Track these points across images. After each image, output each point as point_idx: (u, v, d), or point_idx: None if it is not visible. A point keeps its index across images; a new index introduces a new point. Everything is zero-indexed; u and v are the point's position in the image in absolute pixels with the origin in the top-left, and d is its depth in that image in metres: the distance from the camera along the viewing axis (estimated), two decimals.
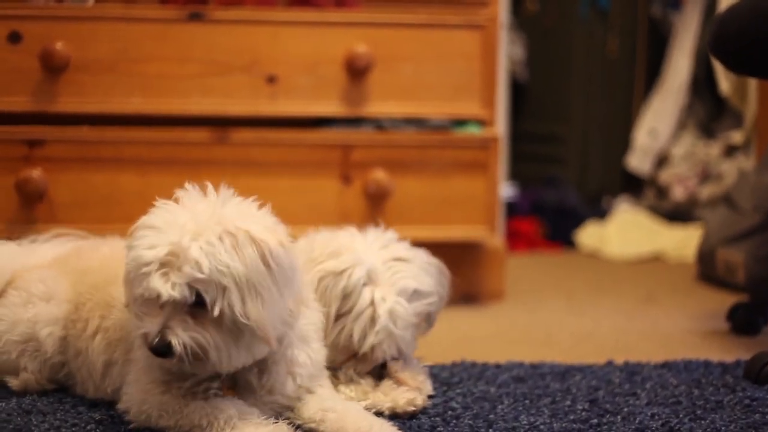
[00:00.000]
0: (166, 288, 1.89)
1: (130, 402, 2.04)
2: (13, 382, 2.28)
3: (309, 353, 2.10)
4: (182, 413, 1.96)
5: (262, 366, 2.03)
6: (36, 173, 3.18)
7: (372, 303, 2.24)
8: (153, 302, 1.93)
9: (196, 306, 1.91)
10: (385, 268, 2.28)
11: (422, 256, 2.37)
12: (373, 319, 2.23)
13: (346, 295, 2.24)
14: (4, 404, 2.18)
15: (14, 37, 3.20)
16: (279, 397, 2.05)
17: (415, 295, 2.29)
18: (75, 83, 3.24)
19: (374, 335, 2.23)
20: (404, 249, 2.35)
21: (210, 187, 2.01)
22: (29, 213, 3.19)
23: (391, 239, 2.37)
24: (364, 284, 2.25)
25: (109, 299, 2.18)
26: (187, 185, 2.01)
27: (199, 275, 1.89)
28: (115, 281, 2.16)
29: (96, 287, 2.22)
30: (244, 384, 2.03)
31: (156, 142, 3.27)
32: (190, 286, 1.89)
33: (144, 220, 1.98)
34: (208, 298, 1.90)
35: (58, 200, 3.22)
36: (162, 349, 1.91)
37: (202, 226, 1.92)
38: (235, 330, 1.93)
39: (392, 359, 2.28)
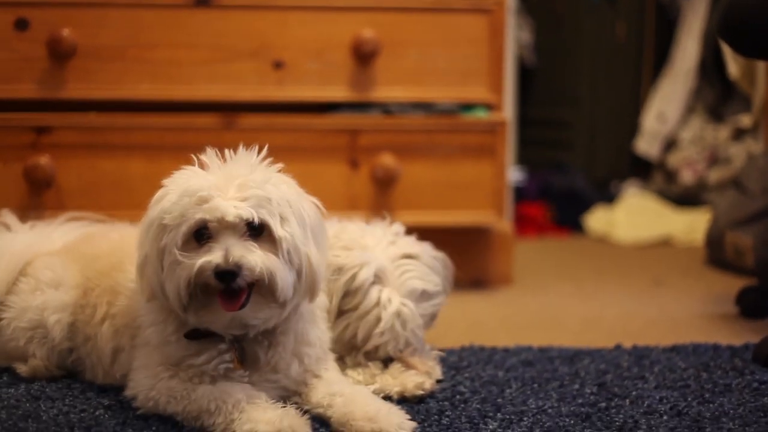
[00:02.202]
0: (235, 206, 1.89)
1: (138, 388, 2.04)
2: (22, 369, 2.28)
3: (317, 332, 2.11)
4: (190, 398, 1.96)
5: (271, 338, 2.03)
6: (44, 160, 3.18)
7: (378, 303, 2.23)
8: (194, 242, 1.92)
9: (253, 236, 1.91)
10: (394, 267, 2.28)
11: (428, 251, 2.36)
12: (378, 320, 2.23)
13: (349, 292, 2.24)
14: (13, 390, 2.19)
15: (21, 24, 3.20)
16: (282, 377, 2.05)
17: (422, 296, 2.29)
18: (82, 70, 3.24)
19: (379, 336, 2.23)
20: (412, 244, 2.34)
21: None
22: (37, 200, 3.20)
23: (399, 233, 2.36)
24: (372, 283, 2.25)
25: (116, 285, 2.18)
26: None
27: (265, 198, 1.91)
28: (122, 267, 2.17)
29: (104, 273, 2.22)
30: (252, 358, 2.02)
31: (164, 128, 3.27)
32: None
33: (175, 176, 1.99)
34: (272, 221, 1.91)
35: (67, 187, 3.22)
36: (233, 271, 1.87)
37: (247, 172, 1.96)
38: (290, 264, 1.93)
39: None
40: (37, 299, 2.27)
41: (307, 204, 2.01)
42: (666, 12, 5.51)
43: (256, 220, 1.91)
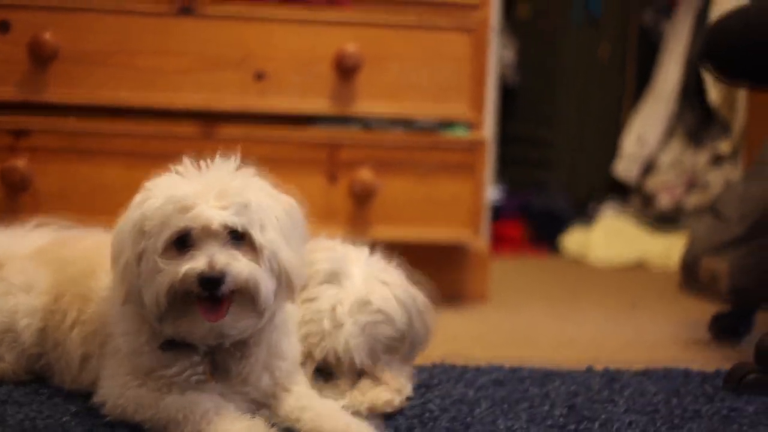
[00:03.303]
0: (219, 214, 1.89)
1: (106, 396, 2.03)
2: None
3: (289, 345, 2.10)
4: (158, 407, 1.95)
5: (243, 349, 2.02)
6: (21, 163, 3.17)
7: (332, 309, 2.21)
8: (174, 249, 1.91)
9: (234, 244, 1.91)
10: (363, 280, 2.26)
11: (405, 285, 2.32)
12: (321, 327, 2.20)
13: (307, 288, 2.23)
14: None
15: (2, 26, 3.19)
16: (252, 389, 2.03)
17: (375, 313, 2.24)
18: (63, 74, 3.23)
19: (327, 339, 2.20)
20: (390, 273, 2.32)
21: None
22: (13, 203, 3.18)
23: (389, 270, 2.34)
24: (327, 282, 2.24)
25: (88, 292, 2.17)
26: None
27: (245, 205, 1.91)
28: (94, 274, 2.16)
29: (75, 280, 2.21)
30: (223, 370, 2.01)
31: (143, 135, 3.26)
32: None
33: (156, 181, 1.98)
34: (252, 230, 1.91)
35: (44, 190, 3.21)
36: (218, 278, 1.86)
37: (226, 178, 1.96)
38: (270, 271, 1.93)
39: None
40: (8, 302, 2.25)
41: (282, 207, 2.01)
42: (649, 35, 5.54)
43: (240, 228, 1.91)
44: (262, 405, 2.06)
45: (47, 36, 3.18)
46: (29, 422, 2.01)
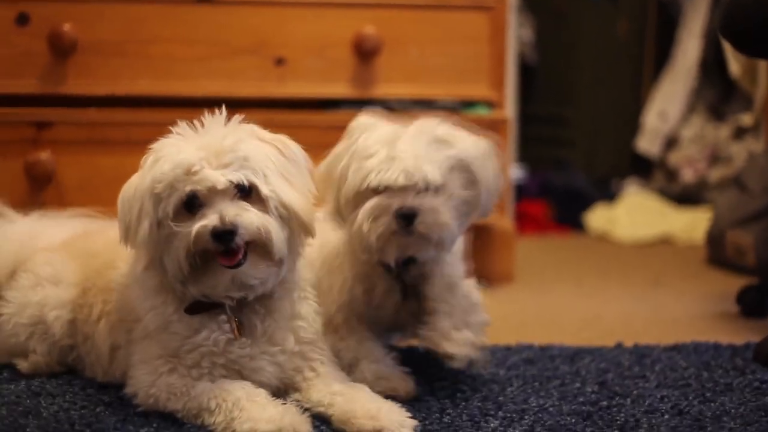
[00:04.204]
0: (223, 173, 1.93)
1: (138, 386, 2.04)
2: (23, 365, 2.28)
3: (308, 309, 2.12)
4: (190, 396, 1.96)
5: (267, 306, 2.04)
6: (44, 155, 3.17)
7: (375, 141, 2.13)
8: (185, 212, 1.94)
9: (242, 198, 1.95)
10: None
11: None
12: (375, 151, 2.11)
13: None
14: (13, 386, 2.19)
15: (22, 19, 3.19)
16: (278, 351, 2.05)
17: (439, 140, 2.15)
18: (83, 65, 3.23)
19: (377, 163, 2.09)
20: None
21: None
22: (38, 195, 3.19)
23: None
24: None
25: (110, 283, 2.18)
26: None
27: (245, 158, 1.94)
28: (115, 265, 2.17)
29: (99, 272, 2.22)
30: (249, 328, 2.03)
31: (164, 123, 3.23)
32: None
33: (157, 145, 2.03)
34: (257, 181, 1.94)
35: (66, 182, 3.22)
36: (231, 230, 1.90)
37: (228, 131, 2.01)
38: (280, 220, 1.96)
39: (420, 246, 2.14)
40: (37, 295, 2.27)
41: (276, 148, 2.04)
42: (667, 10, 5.51)
43: (245, 182, 1.94)
44: (290, 384, 2.06)
45: (66, 28, 3.18)
46: (63, 413, 2.02)
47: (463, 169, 2.16)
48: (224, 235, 1.90)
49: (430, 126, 2.17)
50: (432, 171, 2.08)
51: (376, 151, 2.11)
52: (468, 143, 2.19)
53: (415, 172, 2.07)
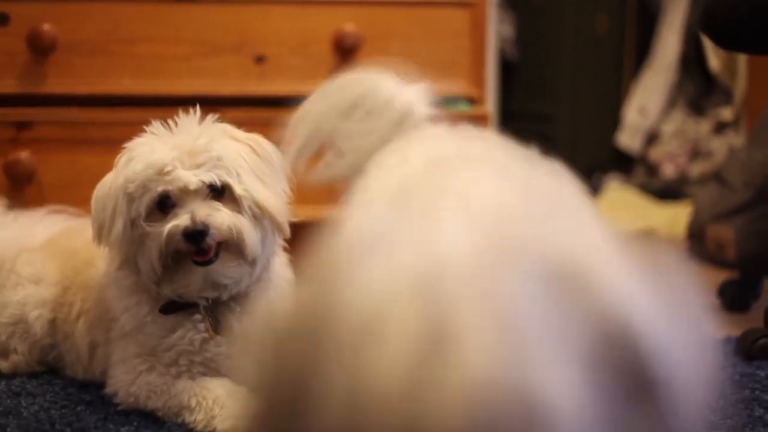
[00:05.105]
0: (195, 173, 1.93)
1: (118, 385, 2.04)
2: (3, 365, 2.28)
3: None
4: (170, 394, 1.97)
5: (243, 305, 2.05)
6: (24, 155, 3.17)
7: None
8: (157, 212, 1.95)
9: (215, 198, 1.96)
10: None
11: None
12: None
13: None
14: None
15: (2, 19, 3.18)
16: None
17: None
18: (63, 64, 3.22)
19: None
20: None
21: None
22: (18, 195, 3.18)
23: None
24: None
25: (89, 281, 2.18)
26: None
27: (218, 158, 1.95)
28: (93, 263, 2.17)
29: (78, 270, 2.22)
30: (225, 327, 2.03)
31: (145, 122, 3.24)
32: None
33: (132, 144, 2.03)
34: (230, 181, 1.95)
35: (48, 182, 3.21)
36: (201, 230, 1.91)
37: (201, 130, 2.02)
38: (254, 220, 1.97)
39: None
40: (17, 294, 2.27)
41: (249, 147, 2.05)
42: (647, 5, 5.52)
43: (218, 182, 1.95)
44: None
45: (46, 27, 3.17)
46: (44, 413, 2.02)
47: None
48: (196, 235, 1.91)
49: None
50: None
51: None
52: None
53: None
